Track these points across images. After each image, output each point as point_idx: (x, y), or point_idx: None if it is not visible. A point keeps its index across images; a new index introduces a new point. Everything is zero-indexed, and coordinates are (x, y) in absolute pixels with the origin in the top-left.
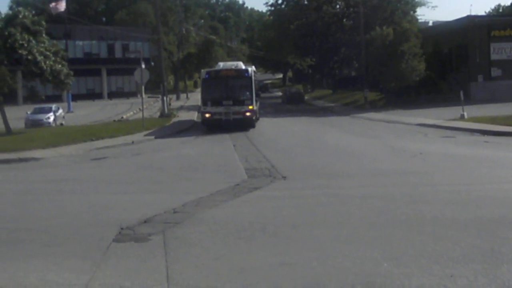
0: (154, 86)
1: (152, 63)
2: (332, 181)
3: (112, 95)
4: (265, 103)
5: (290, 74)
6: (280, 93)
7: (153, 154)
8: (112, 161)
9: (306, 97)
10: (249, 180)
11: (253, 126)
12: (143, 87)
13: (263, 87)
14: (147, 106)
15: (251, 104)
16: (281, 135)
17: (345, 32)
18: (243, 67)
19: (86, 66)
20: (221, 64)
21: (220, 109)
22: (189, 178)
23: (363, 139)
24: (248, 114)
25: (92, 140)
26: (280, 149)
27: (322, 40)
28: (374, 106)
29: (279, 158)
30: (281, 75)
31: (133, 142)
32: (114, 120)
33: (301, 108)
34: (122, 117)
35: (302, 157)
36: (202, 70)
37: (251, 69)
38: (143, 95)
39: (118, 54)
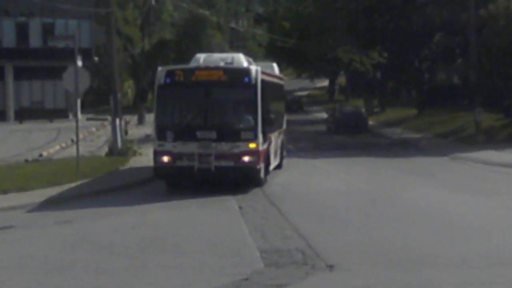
0: (99, 100)
1: (96, 59)
2: (415, 274)
3: (23, 114)
4: (296, 131)
5: (342, 80)
6: (324, 115)
7: (95, 222)
8: (23, 234)
9: (370, 122)
10: (268, 270)
11: (259, 184)
12: (78, 102)
13: (293, 103)
14: (87, 135)
15: (255, 138)
16: (324, 189)
17: (440, 5)
18: (243, 63)
19: None
20: (200, 58)
21: (191, 147)
22: (161, 265)
23: (471, 199)
24: (247, 159)
25: None
26: (322, 214)
27: (399, 20)
28: (492, 139)
29: (321, 232)
30: (326, 83)
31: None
32: (27, 160)
33: (362, 141)
34: (41, 155)
35: (362, 229)
36: (160, 69)
37: (257, 69)
38: (79, 116)
39: (34, 41)
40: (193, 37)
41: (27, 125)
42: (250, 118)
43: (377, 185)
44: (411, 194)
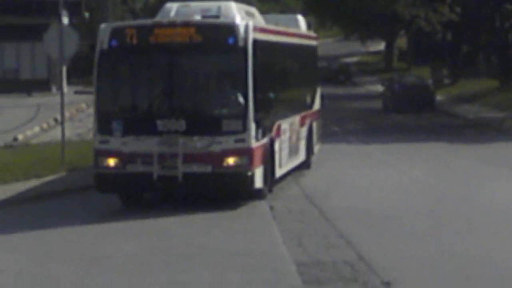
0: (91, 68)
1: (87, 14)
2: None
3: None
4: (344, 109)
5: (402, 43)
6: (379, 88)
7: (81, 227)
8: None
9: (438, 97)
10: None
11: (255, 198)
12: (64, 71)
13: (339, 73)
14: (75, 114)
15: (244, 129)
16: (379, 185)
17: None
18: (234, 16)
19: None
20: (172, 9)
21: (148, 144)
22: (168, 283)
23: None
24: (232, 162)
25: None
26: (377, 218)
27: None
28: None
29: (375, 240)
30: (381, 46)
31: None
32: None
33: (428, 122)
34: (16, 139)
35: (428, 237)
36: (103, 26)
37: (247, 24)
38: (65, 88)
39: None
40: None
41: None
42: (237, 99)
43: (447, 179)
44: (493, 192)
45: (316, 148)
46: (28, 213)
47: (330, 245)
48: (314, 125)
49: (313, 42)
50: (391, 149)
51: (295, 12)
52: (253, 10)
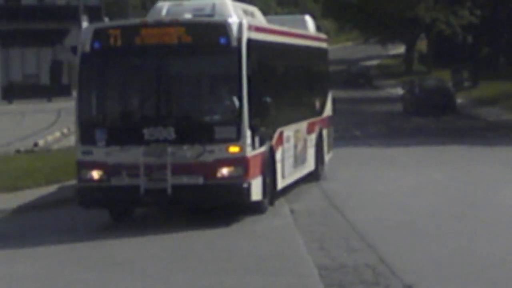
0: None
1: (107, 19)
2: None
3: (12, 92)
4: (364, 113)
5: (422, 46)
6: (400, 91)
7: (103, 233)
8: (14, 246)
9: (459, 100)
10: None
11: (250, 211)
12: None
13: (359, 76)
14: None
15: (238, 137)
16: (401, 188)
17: None
18: (229, 15)
19: None
20: (163, 8)
21: (134, 154)
22: (193, 286)
23: None
24: (225, 172)
25: None
26: (398, 220)
27: None
28: None
29: (396, 242)
30: (401, 49)
31: None
32: (19, 151)
33: (449, 125)
34: (36, 144)
35: (450, 239)
36: (85, 28)
37: (241, 22)
38: None
39: None
40: None
41: (19, 105)
42: (231, 104)
43: (469, 183)
44: None
45: (327, 157)
46: (49, 218)
47: (352, 249)
48: (325, 132)
49: (323, 44)
50: (412, 152)
51: (314, 16)
52: (253, 8)
